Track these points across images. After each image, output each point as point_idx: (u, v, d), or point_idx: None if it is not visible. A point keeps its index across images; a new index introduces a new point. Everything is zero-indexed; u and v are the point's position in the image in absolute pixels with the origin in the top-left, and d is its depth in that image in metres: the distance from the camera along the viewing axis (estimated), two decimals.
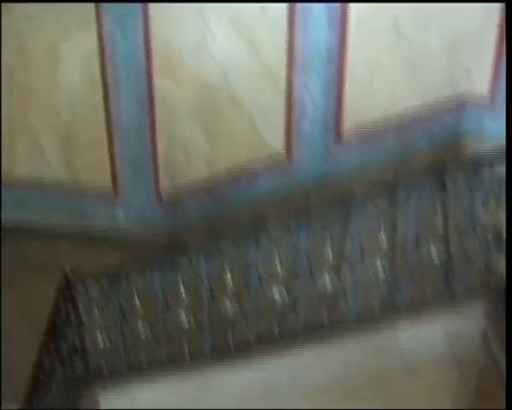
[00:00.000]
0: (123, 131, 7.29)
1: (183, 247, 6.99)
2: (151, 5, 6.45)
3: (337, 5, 6.20)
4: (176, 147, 7.42)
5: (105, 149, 7.38)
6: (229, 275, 5.40)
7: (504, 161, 4.81)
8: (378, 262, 5.29)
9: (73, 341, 5.61)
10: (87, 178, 7.61)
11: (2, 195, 7.63)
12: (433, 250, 5.24)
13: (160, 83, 6.94)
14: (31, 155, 7.57)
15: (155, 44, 6.72)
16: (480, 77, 6.56)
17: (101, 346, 5.73)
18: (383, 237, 5.19)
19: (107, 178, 7.55)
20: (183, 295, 5.51)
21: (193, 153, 7.42)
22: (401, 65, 6.48)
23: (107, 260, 5.74)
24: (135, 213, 7.79)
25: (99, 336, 5.70)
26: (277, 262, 5.32)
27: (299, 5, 6.26)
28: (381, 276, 5.35)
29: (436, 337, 5.38)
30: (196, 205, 7.69)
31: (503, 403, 4.62)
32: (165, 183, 7.63)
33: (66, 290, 5.42)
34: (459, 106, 6.67)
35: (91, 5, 6.48)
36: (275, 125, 7.06)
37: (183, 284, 5.46)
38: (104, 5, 6.47)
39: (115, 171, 7.51)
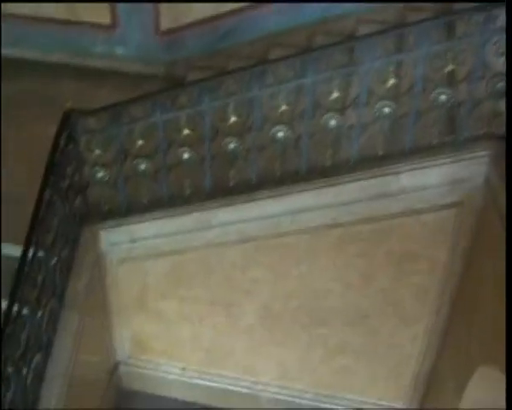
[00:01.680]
0: None
1: (183, 82, 6.91)
2: None
3: None
4: None
5: None
6: (231, 112, 5.31)
7: None
8: (384, 105, 5.20)
9: (73, 178, 5.58)
10: (85, 12, 7.42)
11: (2, 32, 7.46)
12: (441, 95, 5.14)
13: None
14: None
15: None
16: None
17: (102, 183, 5.72)
18: (390, 80, 5.08)
19: (106, 13, 7.37)
20: (185, 132, 5.43)
21: None
22: None
23: (108, 96, 5.64)
24: (134, 48, 7.66)
25: (99, 174, 5.68)
26: (281, 100, 5.22)
27: None
28: (387, 119, 5.27)
29: (439, 181, 5.37)
30: (197, 39, 7.53)
31: (501, 241, 4.66)
32: (164, 16, 7.45)
33: (67, 127, 5.35)
34: None
35: None
36: None
37: (185, 121, 5.37)
38: None
39: (113, 5, 7.32)
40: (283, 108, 5.24)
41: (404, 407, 7.09)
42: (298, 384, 7.16)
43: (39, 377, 5.19)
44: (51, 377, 5.30)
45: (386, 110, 5.20)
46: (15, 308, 4.75)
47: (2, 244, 5.96)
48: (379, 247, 5.92)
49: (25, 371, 4.94)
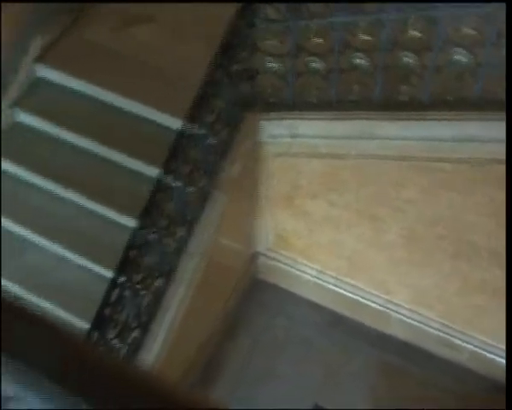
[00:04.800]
0: None
1: None
2: None
3: None
4: None
5: None
6: (412, 27, 5.15)
7: None
8: None
9: (245, 63, 5.60)
10: None
11: None
12: None
13: None
14: None
15: None
16: None
17: (272, 74, 5.71)
18: None
19: None
20: (361, 38, 5.32)
21: None
22: None
23: None
24: None
25: (271, 64, 5.67)
26: (466, 24, 5.00)
27: None
28: None
29: None
30: None
31: None
32: None
33: (246, 12, 5.35)
34: None
35: None
36: None
37: (364, 27, 5.25)
38: None
39: None
40: (468, 31, 5.03)
41: None
42: (429, 312, 7.08)
43: (180, 250, 5.37)
44: (190, 252, 5.48)
45: None
46: (167, 179, 4.90)
47: (162, 114, 6.08)
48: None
49: (166, 240, 5.12)
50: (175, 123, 5.66)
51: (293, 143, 6.15)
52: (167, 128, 5.91)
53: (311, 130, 6.02)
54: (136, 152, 5.96)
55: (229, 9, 5.35)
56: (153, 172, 5.49)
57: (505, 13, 4.67)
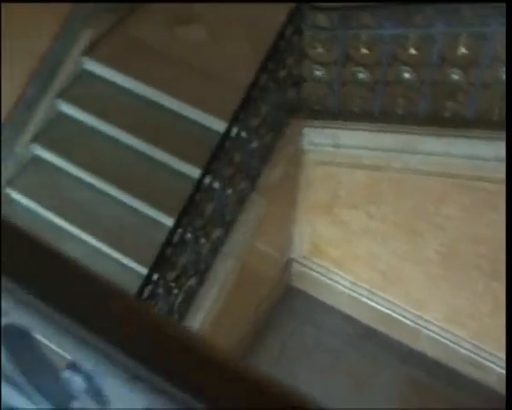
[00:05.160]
0: None
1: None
2: None
3: None
4: None
5: None
6: (462, 44, 5.10)
7: None
8: None
9: (292, 69, 5.60)
10: None
11: None
12: None
13: None
14: None
15: None
16: None
17: (318, 81, 5.70)
18: None
19: None
20: (410, 51, 5.28)
21: None
22: None
23: None
24: None
25: (318, 72, 5.65)
26: None
27: None
28: None
29: None
30: None
31: None
32: None
33: (296, 19, 5.33)
34: None
35: None
36: None
37: (414, 41, 5.22)
38: None
39: None
40: None
41: None
42: (460, 331, 7.02)
43: (215, 250, 5.37)
44: (226, 253, 5.48)
45: None
46: (207, 180, 4.91)
47: (206, 115, 6.07)
48: None
49: (203, 240, 5.13)
50: (217, 124, 5.69)
51: (334, 153, 6.13)
52: (209, 129, 5.93)
53: (354, 140, 5.99)
54: (178, 151, 5.98)
55: (277, 10, 5.36)
56: (194, 171, 5.51)
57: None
